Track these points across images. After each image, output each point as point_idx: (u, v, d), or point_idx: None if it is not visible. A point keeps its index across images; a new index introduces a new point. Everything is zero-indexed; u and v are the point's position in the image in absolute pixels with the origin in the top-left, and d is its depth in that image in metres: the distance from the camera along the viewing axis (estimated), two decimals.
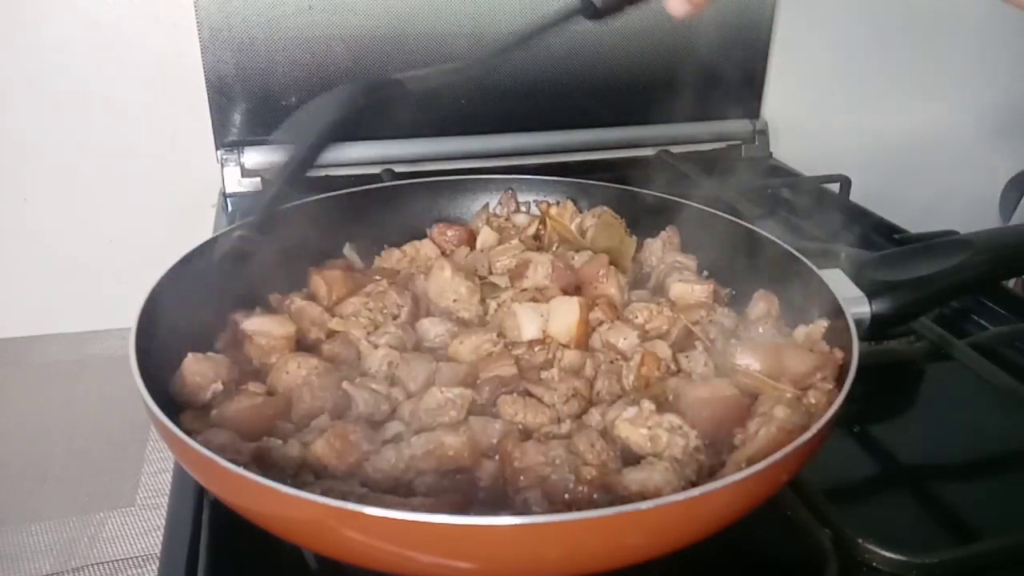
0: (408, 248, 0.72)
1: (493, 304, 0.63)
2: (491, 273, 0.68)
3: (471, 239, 0.74)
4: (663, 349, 0.57)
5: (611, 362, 0.57)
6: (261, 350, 0.57)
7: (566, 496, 0.44)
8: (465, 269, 0.66)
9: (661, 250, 0.71)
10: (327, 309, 0.62)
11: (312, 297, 0.64)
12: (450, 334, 0.60)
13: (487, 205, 0.79)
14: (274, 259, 0.66)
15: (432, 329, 0.61)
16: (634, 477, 0.45)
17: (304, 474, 0.46)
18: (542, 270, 0.65)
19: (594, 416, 0.52)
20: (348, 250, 0.73)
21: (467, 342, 0.58)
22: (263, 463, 0.45)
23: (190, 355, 0.53)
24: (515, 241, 0.72)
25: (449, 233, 0.74)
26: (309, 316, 0.61)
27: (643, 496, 0.43)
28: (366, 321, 0.60)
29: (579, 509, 0.43)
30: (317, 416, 0.50)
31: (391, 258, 0.72)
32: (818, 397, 0.51)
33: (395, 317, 0.62)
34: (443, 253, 0.72)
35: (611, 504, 0.42)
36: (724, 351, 0.57)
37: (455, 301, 0.63)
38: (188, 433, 0.42)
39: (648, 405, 0.49)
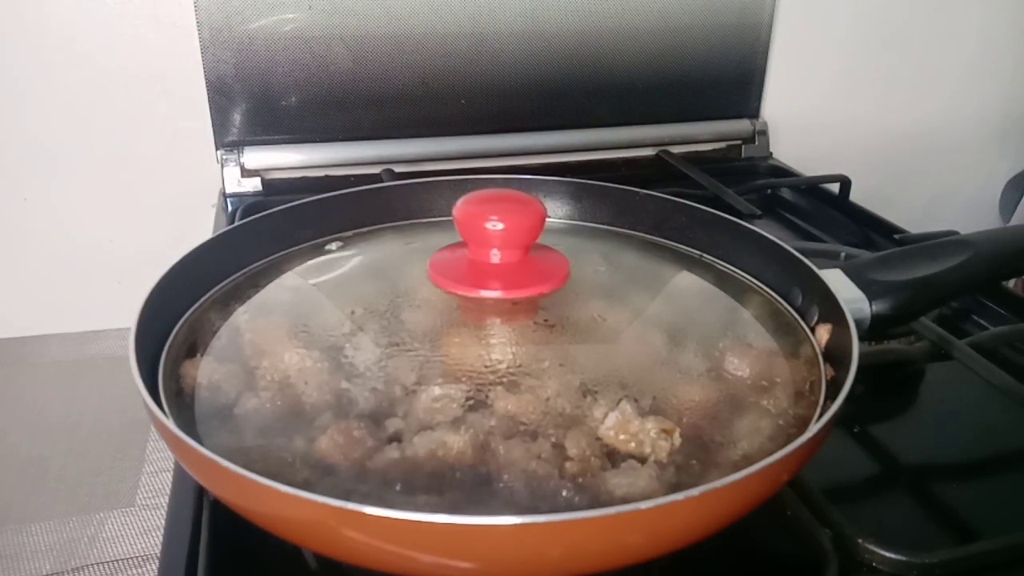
0: None
1: None
2: None
3: None
4: (655, 337, 0.57)
5: None
6: (256, 348, 0.57)
7: (548, 492, 0.44)
8: None
9: None
10: None
11: None
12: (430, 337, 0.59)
13: None
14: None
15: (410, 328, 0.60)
16: (618, 483, 0.44)
17: (307, 472, 0.45)
18: None
19: (578, 409, 0.51)
20: (335, 249, 0.70)
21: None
22: (268, 463, 0.45)
23: (188, 361, 0.52)
24: None
25: None
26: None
27: (627, 502, 0.43)
28: (344, 316, 0.60)
29: (561, 507, 0.42)
30: (323, 411, 0.50)
31: None
32: (808, 405, 0.51)
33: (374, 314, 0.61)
34: None
35: (594, 502, 0.42)
36: (714, 352, 0.57)
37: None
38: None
39: (628, 408, 0.49)
